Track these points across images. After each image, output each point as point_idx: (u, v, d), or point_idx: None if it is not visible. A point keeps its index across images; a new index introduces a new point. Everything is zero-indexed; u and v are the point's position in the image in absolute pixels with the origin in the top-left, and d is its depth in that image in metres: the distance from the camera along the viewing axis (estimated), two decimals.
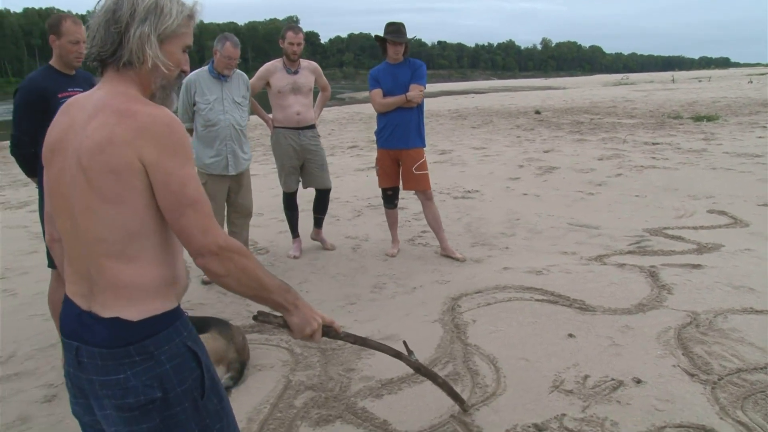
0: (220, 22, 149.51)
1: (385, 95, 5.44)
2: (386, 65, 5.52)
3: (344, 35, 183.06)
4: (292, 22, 7.10)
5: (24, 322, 4.63)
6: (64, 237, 1.68)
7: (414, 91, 5.34)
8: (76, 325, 1.64)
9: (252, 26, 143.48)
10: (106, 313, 1.58)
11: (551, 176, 9.24)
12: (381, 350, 2.37)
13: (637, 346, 3.69)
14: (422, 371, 2.72)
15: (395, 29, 5.43)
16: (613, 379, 3.32)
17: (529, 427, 2.96)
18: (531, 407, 3.13)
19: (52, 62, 3.81)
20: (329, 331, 1.91)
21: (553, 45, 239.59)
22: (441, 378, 2.89)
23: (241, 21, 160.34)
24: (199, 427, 1.65)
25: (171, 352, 1.61)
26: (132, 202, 1.53)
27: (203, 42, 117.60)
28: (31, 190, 9.54)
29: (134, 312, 1.58)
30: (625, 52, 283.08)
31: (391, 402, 3.29)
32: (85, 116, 1.58)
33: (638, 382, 3.28)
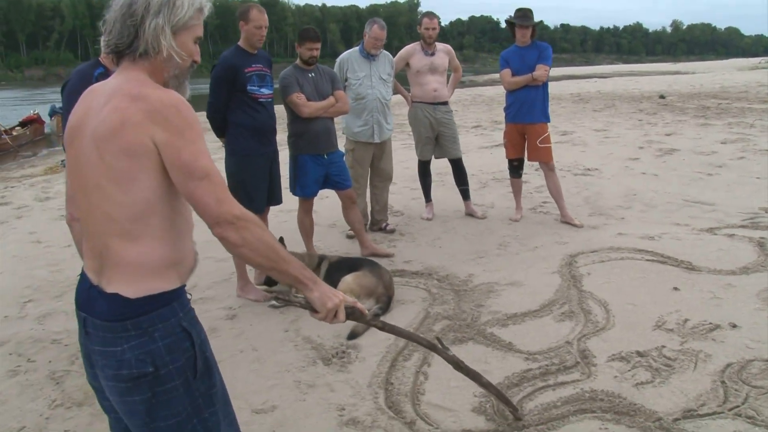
0: (342, 5, 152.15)
1: (513, 75, 6.07)
2: (515, 48, 6.16)
3: (465, 18, 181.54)
4: (427, 11, 7.54)
5: (201, 263, 5.64)
6: (81, 216, 1.79)
7: (539, 71, 5.94)
8: (86, 298, 1.75)
9: (373, 9, 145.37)
10: (109, 289, 1.67)
11: (671, 158, 9.47)
12: (413, 340, 2.35)
13: (737, 300, 4.18)
14: (463, 369, 2.61)
15: (522, 14, 6.08)
16: (710, 323, 3.85)
17: (633, 353, 3.56)
18: (635, 339, 3.72)
19: (239, 43, 4.68)
20: (354, 311, 1.91)
21: (684, 27, 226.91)
22: (486, 379, 2.77)
23: (363, 4, 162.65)
24: (191, 406, 1.72)
25: (165, 331, 1.68)
26: (142, 181, 1.62)
27: (326, 24, 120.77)
28: None
29: (133, 289, 1.66)
30: None
31: (516, 330, 3.97)
32: (101, 101, 1.68)
33: (734, 326, 3.79)
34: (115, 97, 1.65)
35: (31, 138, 19.19)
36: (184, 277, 1.79)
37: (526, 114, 6.09)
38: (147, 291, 1.67)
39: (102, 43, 3.41)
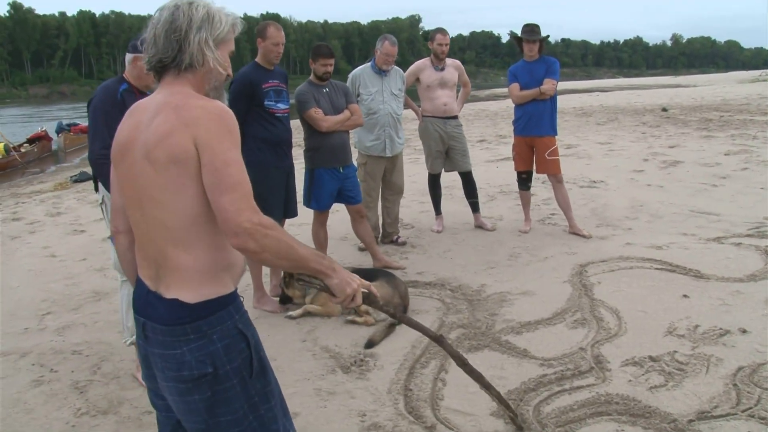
0: (344, 21, 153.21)
1: (522, 89, 6.19)
2: (523, 62, 6.28)
3: (466, 33, 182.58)
4: (439, 27, 7.58)
5: None
6: (135, 227, 1.85)
7: (547, 85, 6.05)
8: (144, 303, 1.82)
9: (375, 25, 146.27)
10: (168, 294, 1.75)
11: (675, 170, 9.58)
12: (420, 330, 2.37)
13: (746, 306, 4.26)
14: (466, 366, 2.64)
15: (529, 29, 6.21)
16: (720, 329, 3.94)
17: (645, 358, 3.64)
18: (647, 345, 3.81)
19: (257, 59, 4.80)
20: (369, 295, 1.98)
21: (684, 41, 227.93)
22: (486, 380, 2.79)
23: (364, 20, 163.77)
24: (248, 404, 1.80)
25: (222, 333, 1.75)
26: (190, 188, 1.69)
27: (328, 41, 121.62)
28: None
29: (191, 295, 1.74)
30: (767, 47, 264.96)
31: (530, 337, 4.05)
32: (148, 116, 1.76)
33: (744, 331, 3.88)
34: (162, 110, 1.73)
35: (38, 154, 19.36)
36: (237, 280, 1.87)
37: (534, 127, 6.19)
38: (205, 296, 1.75)
39: (140, 62, 3.57)
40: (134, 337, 3.80)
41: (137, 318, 1.86)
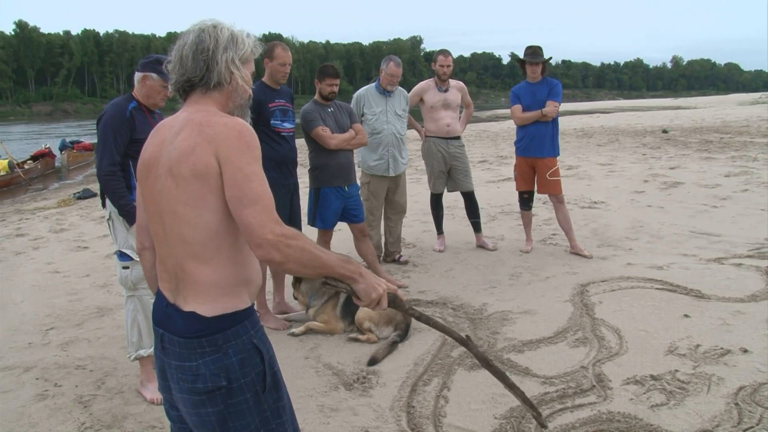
0: (346, 42, 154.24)
1: (524, 110, 6.26)
2: (526, 83, 6.36)
3: (467, 54, 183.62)
4: (442, 48, 7.68)
5: None
6: (156, 240, 1.89)
7: (549, 107, 6.12)
8: (163, 315, 1.86)
9: (376, 46, 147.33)
10: (186, 307, 1.79)
11: (676, 191, 9.63)
12: (446, 332, 2.33)
13: (747, 326, 4.29)
14: (491, 367, 2.55)
15: (532, 51, 6.28)
16: (722, 348, 3.96)
17: (647, 377, 3.66)
18: (649, 364, 3.83)
19: (264, 79, 4.88)
20: (395, 299, 1.97)
21: (684, 63, 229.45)
22: (511, 380, 2.67)
23: (366, 41, 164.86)
24: (259, 418, 1.82)
25: (238, 347, 1.78)
26: (211, 203, 1.73)
27: (330, 61, 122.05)
28: None
29: (209, 308, 1.77)
30: (767, 69, 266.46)
31: (531, 356, 4.08)
32: (173, 133, 1.82)
33: (745, 351, 3.90)
34: (186, 127, 1.79)
35: (42, 171, 19.45)
36: (254, 295, 1.90)
37: (536, 148, 6.25)
38: (222, 310, 1.78)
39: (164, 83, 3.69)
40: (139, 351, 3.85)
41: (156, 329, 1.89)
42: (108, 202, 3.77)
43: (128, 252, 3.73)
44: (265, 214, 1.67)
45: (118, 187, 3.67)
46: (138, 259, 3.55)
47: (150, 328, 3.75)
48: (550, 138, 6.28)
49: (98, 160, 3.72)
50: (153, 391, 3.75)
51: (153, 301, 1.99)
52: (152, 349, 3.80)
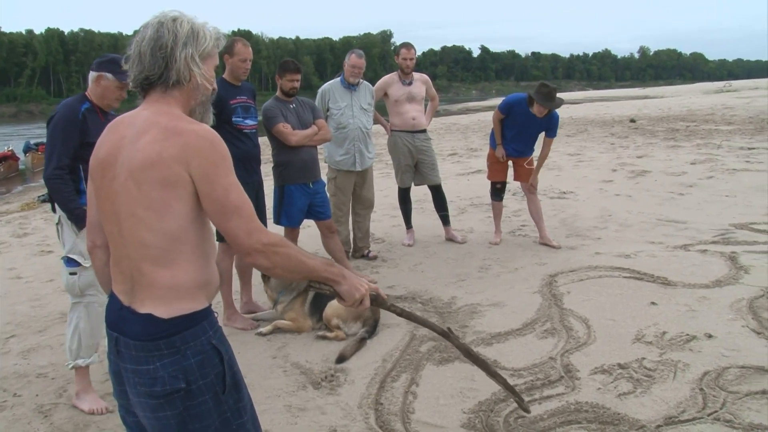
0: (316, 38, 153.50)
1: (510, 127, 6.28)
2: (528, 110, 6.09)
3: (437, 48, 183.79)
4: (405, 41, 7.62)
5: None
6: (111, 241, 1.84)
7: (535, 182, 6.38)
8: (117, 318, 1.81)
9: (347, 41, 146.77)
10: (142, 310, 1.75)
11: (643, 179, 9.72)
12: (427, 326, 2.39)
13: (712, 311, 4.33)
14: (472, 356, 2.54)
15: (547, 93, 5.98)
16: (687, 334, 4.00)
17: (614, 366, 3.67)
18: (616, 353, 3.84)
19: (224, 75, 4.78)
20: (377, 298, 2.02)
21: (651, 53, 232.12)
22: (493, 368, 2.70)
23: (336, 36, 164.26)
24: (219, 420, 1.79)
25: (196, 348, 1.75)
26: (176, 209, 1.70)
27: (300, 57, 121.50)
28: None
29: (166, 310, 1.73)
30: (730, 59, 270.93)
31: (500, 348, 4.07)
32: (134, 132, 1.75)
33: (709, 336, 3.94)
34: (151, 129, 1.73)
35: (5, 174, 19.09)
36: (211, 297, 1.88)
37: (522, 152, 6.38)
38: (179, 311, 1.75)
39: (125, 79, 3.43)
40: (77, 360, 3.68)
41: (110, 333, 1.84)
42: (57, 206, 3.62)
43: (76, 257, 3.57)
44: (250, 223, 1.70)
45: (66, 190, 3.50)
46: (87, 265, 3.50)
47: (91, 337, 3.65)
48: (531, 145, 6.40)
49: (45, 163, 3.55)
50: (91, 402, 3.64)
51: (100, 309, 1.93)
52: (91, 359, 3.71)
